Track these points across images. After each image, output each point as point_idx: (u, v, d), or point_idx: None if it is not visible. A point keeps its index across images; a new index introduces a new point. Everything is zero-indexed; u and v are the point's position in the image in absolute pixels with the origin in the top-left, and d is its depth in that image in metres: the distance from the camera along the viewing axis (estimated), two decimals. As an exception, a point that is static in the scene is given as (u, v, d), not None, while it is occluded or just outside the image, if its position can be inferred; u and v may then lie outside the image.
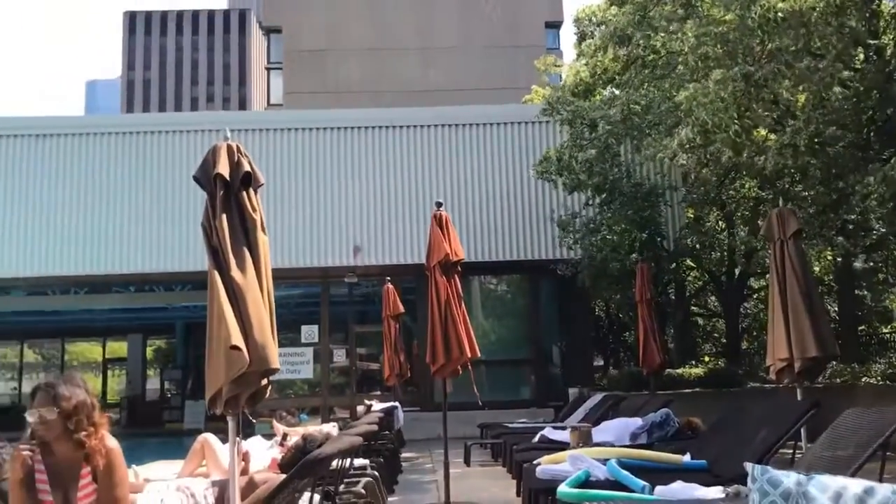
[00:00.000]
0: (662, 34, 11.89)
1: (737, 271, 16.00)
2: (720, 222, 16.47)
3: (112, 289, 20.38)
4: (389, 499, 7.01)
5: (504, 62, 34.80)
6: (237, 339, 3.57)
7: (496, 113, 17.91)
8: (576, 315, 17.52)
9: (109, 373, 32.73)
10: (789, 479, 2.46)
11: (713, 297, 19.62)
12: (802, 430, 5.84)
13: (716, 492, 4.23)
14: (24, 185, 16.72)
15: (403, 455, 11.06)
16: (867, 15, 10.24)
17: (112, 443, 3.39)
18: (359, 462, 5.94)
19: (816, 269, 15.31)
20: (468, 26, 36.76)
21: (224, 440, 6.28)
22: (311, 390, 18.19)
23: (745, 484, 4.03)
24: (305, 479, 3.21)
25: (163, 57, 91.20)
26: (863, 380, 10.74)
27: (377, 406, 11.26)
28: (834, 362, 10.05)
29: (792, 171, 11.12)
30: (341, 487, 4.62)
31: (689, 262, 16.15)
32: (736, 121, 9.71)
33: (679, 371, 14.42)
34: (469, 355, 7.28)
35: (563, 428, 8.70)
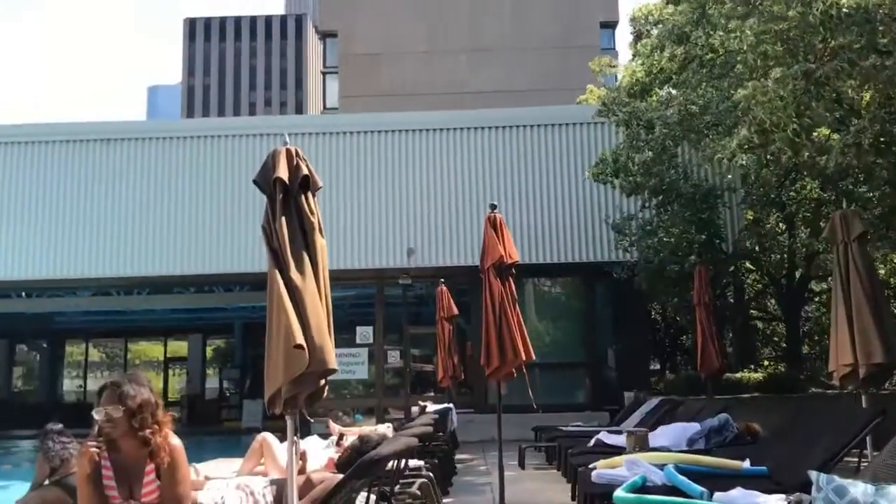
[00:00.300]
0: (721, 32, 11.67)
1: (797, 274, 15.63)
2: (780, 224, 16.11)
3: (173, 289, 20.86)
4: (444, 500, 7.03)
5: (558, 63, 34.62)
6: (300, 338, 3.62)
7: (550, 114, 17.82)
8: (632, 318, 17.33)
9: (170, 372, 33.50)
10: (856, 488, 2.40)
11: (773, 301, 19.19)
12: (867, 439, 5.68)
13: (777, 500, 4.15)
14: (89, 188, 17.22)
15: (457, 457, 11.07)
16: (936, 10, 9.90)
17: (175, 441, 3.48)
18: (414, 463, 5.97)
19: (882, 272, 14.87)
20: (522, 27, 36.65)
21: (282, 439, 6.38)
22: (366, 391, 18.33)
23: (808, 492, 3.94)
24: (362, 479, 3.25)
25: (221, 62, 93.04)
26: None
27: (431, 407, 11.32)
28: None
29: (856, 171, 10.81)
30: (397, 488, 4.65)
31: (748, 264, 15.82)
32: (794, 120, 9.48)
33: (738, 375, 14.15)
34: (524, 358, 7.26)
35: (619, 432, 8.62)
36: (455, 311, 13.00)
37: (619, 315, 17.53)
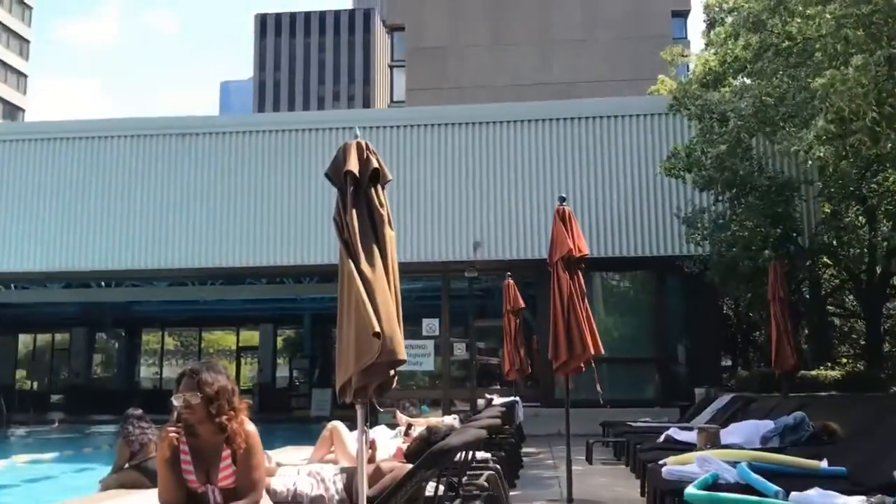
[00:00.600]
0: (799, 19, 11.31)
1: (878, 269, 15.08)
2: (860, 217, 15.55)
3: (245, 280, 21.34)
4: (511, 493, 7.03)
5: (628, 54, 34.10)
6: (376, 326, 3.67)
7: (620, 105, 17.59)
8: (703, 313, 16.99)
9: (242, 360, 34.33)
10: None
11: (851, 297, 18.56)
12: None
13: (858, 501, 4.03)
14: (165, 181, 17.74)
15: (524, 450, 11.06)
16: None
17: (251, 427, 3.56)
18: (481, 455, 5.99)
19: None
20: (591, 17, 36.23)
21: (351, 428, 6.48)
22: (432, 382, 18.45)
23: (890, 494, 3.81)
24: (431, 469, 3.27)
25: (291, 57, 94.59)
26: None
27: (497, 400, 11.32)
28: None
29: (943, 162, 10.37)
30: (464, 479, 4.67)
31: (825, 259, 15.33)
32: (875, 108, 9.13)
33: (813, 373, 13.74)
34: (592, 352, 7.20)
35: (690, 428, 8.48)
36: (521, 304, 12.97)
37: (690, 310, 17.21)
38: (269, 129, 18.09)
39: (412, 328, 16.95)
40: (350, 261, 3.88)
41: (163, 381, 32.87)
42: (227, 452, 3.49)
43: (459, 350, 17.87)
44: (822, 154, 11.87)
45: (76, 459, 15.56)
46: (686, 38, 39.23)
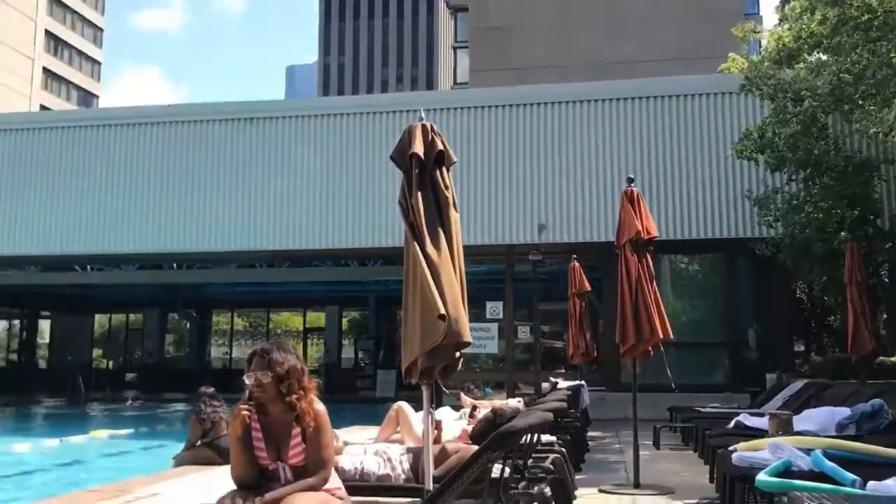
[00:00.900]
0: (880, -9, 10.85)
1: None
2: (944, 198, 14.93)
3: (311, 263, 21.66)
4: (576, 476, 7.00)
5: (697, 30, 33.20)
6: (441, 308, 3.68)
7: (689, 84, 17.19)
8: (775, 296, 16.56)
9: (309, 341, 34.93)
10: None
11: (933, 281, 17.84)
12: None
13: (940, 492, 3.87)
14: (233, 165, 18.08)
15: (589, 434, 10.99)
16: None
17: (320, 406, 3.61)
18: (546, 438, 5.97)
19: None
20: (660, -6, 35.38)
21: (417, 409, 6.54)
22: (496, 365, 18.46)
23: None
24: (497, 451, 3.27)
25: (356, 40, 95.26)
26: None
27: (562, 384, 11.26)
28: None
29: None
30: (530, 462, 4.66)
31: (905, 241, 14.75)
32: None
33: (893, 359, 13.30)
34: (661, 336, 7.09)
35: (761, 414, 8.29)
36: (587, 287, 12.84)
37: (761, 293, 16.79)
38: (334, 113, 18.25)
39: (476, 311, 16.98)
40: (415, 243, 3.88)
41: (232, 360, 33.72)
42: (297, 430, 3.55)
43: (523, 333, 17.82)
44: (903, 133, 11.42)
45: (150, 436, 16.10)
46: (758, 13, 38.09)
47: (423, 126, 4.12)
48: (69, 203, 18.47)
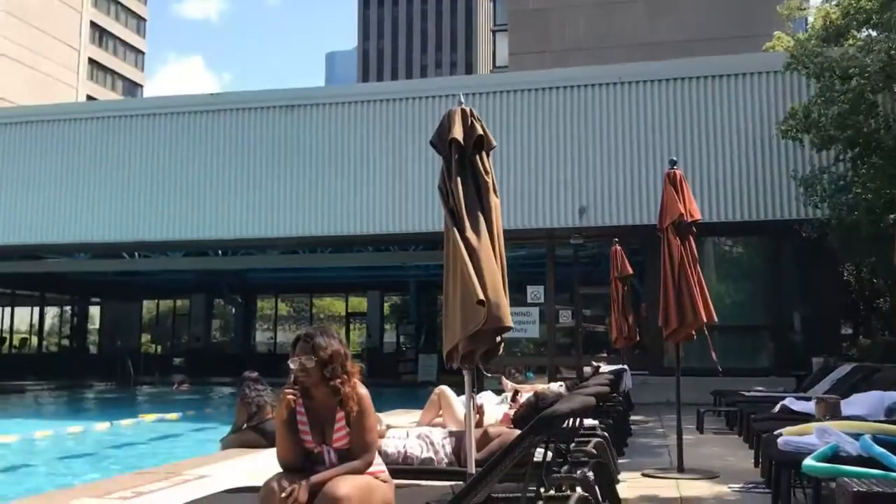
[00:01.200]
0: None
1: None
2: None
3: (354, 248, 21.81)
4: (619, 460, 6.98)
5: (741, 9, 32.49)
6: (480, 293, 3.69)
7: (733, 63, 16.84)
8: (821, 279, 16.26)
9: (351, 326, 35.25)
10: None
11: None
12: None
13: None
14: (275, 153, 18.24)
15: (632, 418, 10.95)
16: None
17: (363, 390, 3.65)
18: (589, 422, 5.96)
19: None
20: (701, -28, 34.69)
21: (458, 393, 6.57)
22: (537, 350, 18.43)
23: None
24: (539, 435, 3.27)
25: (395, 26, 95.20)
26: None
27: (605, 368, 11.22)
28: None
29: None
30: (572, 445, 4.66)
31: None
32: None
33: (944, 342, 12.98)
34: (704, 320, 7.02)
35: (807, 399, 8.18)
36: (629, 270, 12.74)
37: (807, 276, 16.50)
38: (374, 99, 18.29)
39: (516, 295, 16.92)
40: (455, 229, 3.89)
41: (277, 345, 34.20)
42: (341, 414, 3.59)
43: (565, 317, 17.75)
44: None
45: (198, 419, 16.42)
46: (804, -10, 37.10)
47: (463, 111, 4.12)
48: (116, 192, 18.82)
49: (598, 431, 5.94)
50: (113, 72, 75.58)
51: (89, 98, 62.46)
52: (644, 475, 7.00)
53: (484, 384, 11.10)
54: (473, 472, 3.83)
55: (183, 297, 34.51)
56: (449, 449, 4.94)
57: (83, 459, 11.26)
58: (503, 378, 10.24)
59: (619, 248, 12.79)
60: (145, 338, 36.08)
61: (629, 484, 6.38)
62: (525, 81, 17.89)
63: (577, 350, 17.49)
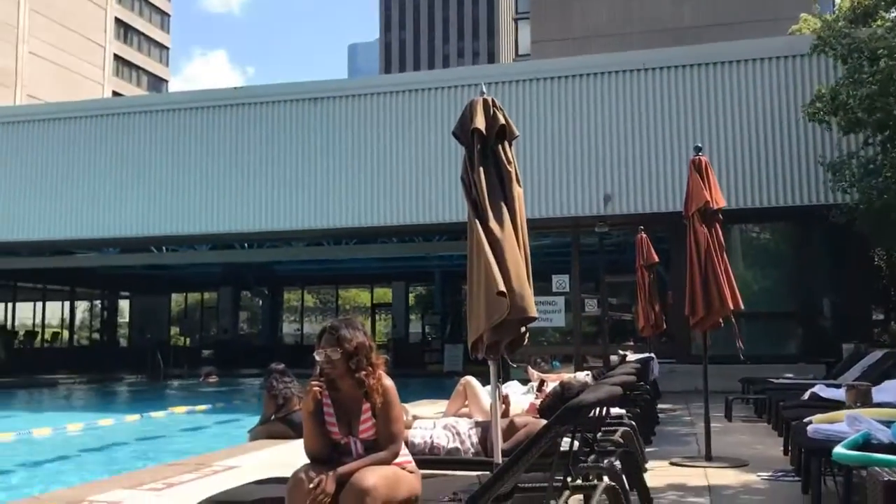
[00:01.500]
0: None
1: None
2: None
3: (378, 240, 21.87)
4: (647, 449, 6.96)
5: (765, -8, 32.04)
6: (502, 285, 3.69)
7: (757, 48, 16.62)
8: (850, 264, 16.04)
9: (377, 317, 35.37)
10: None
11: None
12: None
13: None
14: (298, 145, 18.32)
15: (659, 407, 10.89)
16: None
17: (388, 381, 3.67)
18: (616, 411, 5.94)
19: None
20: (726, -45, 34.21)
21: (483, 383, 6.58)
22: (563, 339, 18.38)
23: None
24: (566, 425, 3.27)
25: (416, 16, 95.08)
26: None
27: (632, 356, 11.17)
28: None
29: None
30: (599, 435, 4.65)
31: None
32: None
33: (978, 328, 12.76)
34: (731, 307, 6.96)
35: (838, 385, 8.09)
36: (655, 258, 12.66)
37: (836, 261, 16.29)
38: (396, 90, 18.28)
39: (542, 284, 16.89)
40: (478, 220, 3.89)
41: (304, 336, 34.43)
42: (367, 406, 3.61)
43: (591, 306, 17.68)
44: None
45: (226, 411, 16.59)
46: (831, -29, 36.49)
47: (485, 100, 4.10)
48: (143, 186, 19.02)
49: (625, 420, 5.92)
50: (138, 67, 76.24)
51: (115, 94, 63.10)
52: (672, 464, 6.98)
53: (510, 374, 11.10)
54: (500, 461, 3.84)
55: (210, 290, 34.84)
56: (475, 439, 4.94)
57: (115, 451, 11.43)
58: (529, 367, 10.23)
59: (644, 235, 12.71)
60: (174, 330, 36.49)
61: (657, 472, 6.35)
62: (547, 69, 17.79)
63: (603, 339, 17.42)
